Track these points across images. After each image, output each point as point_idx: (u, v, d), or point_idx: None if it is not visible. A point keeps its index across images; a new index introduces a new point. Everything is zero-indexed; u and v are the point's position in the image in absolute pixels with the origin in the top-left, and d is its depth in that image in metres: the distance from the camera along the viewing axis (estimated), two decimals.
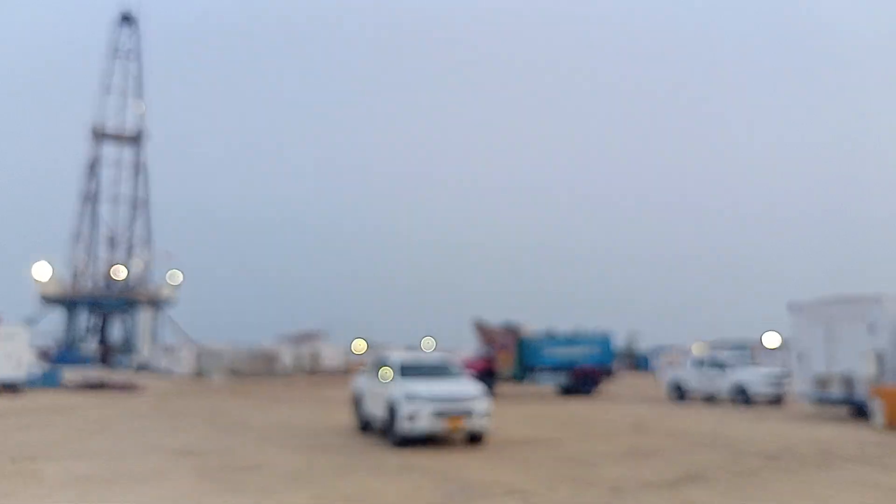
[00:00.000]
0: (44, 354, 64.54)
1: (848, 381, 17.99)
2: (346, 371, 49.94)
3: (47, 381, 29.74)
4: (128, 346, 78.42)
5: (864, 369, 17.21)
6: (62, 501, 7.86)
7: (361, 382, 15.28)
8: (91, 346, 76.24)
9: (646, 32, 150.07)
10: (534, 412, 20.32)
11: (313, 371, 54.16)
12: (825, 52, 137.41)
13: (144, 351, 69.26)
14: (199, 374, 43.67)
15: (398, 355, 15.15)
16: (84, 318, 78.66)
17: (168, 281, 77.81)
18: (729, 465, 10.51)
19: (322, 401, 24.85)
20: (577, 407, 22.51)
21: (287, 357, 54.96)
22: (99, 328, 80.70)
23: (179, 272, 78.80)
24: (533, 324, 31.86)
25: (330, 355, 60.60)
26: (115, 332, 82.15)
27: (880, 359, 17.12)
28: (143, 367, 57.95)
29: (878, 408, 15.66)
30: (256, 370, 44.13)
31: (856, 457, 11.43)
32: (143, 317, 76.20)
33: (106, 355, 74.82)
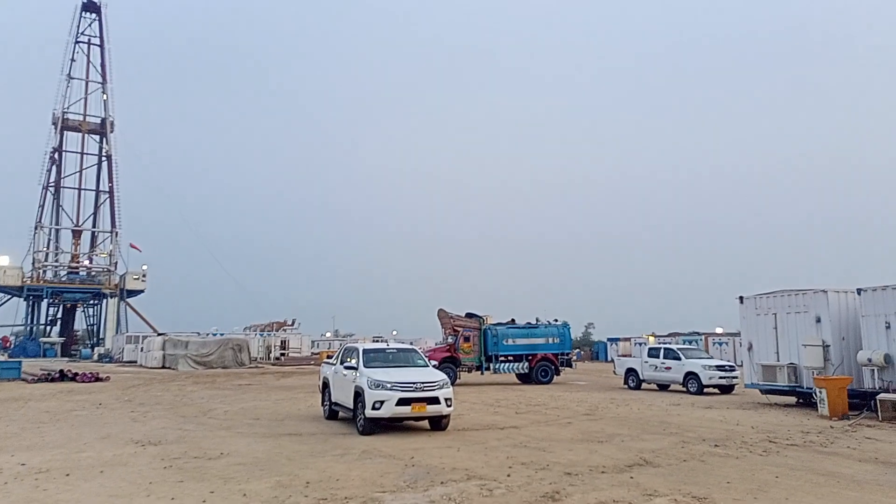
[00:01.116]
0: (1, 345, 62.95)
1: (795, 372, 18.81)
2: (314, 360, 49.99)
3: (5, 372, 29.24)
4: (92, 337, 77.04)
5: (810, 360, 18.00)
6: (17, 494, 7.81)
7: (328, 371, 15.53)
8: (53, 337, 74.65)
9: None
10: (494, 399, 20.76)
11: (281, 360, 54.05)
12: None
13: (109, 342, 68.18)
14: (165, 364, 43.23)
15: (364, 345, 15.43)
16: (46, 310, 76.93)
17: (133, 271, 76.50)
18: (678, 451, 11.02)
19: (289, 389, 24.96)
20: (536, 394, 23.05)
21: (255, 346, 54.68)
22: (62, 319, 79.00)
23: (145, 263, 77.71)
24: (495, 315, 32.43)
25: (298, 345, 60.48)
26: (79, 322, 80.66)
27: (825, 350, 17.94)
28: (107, 358, 57.12)
29: (822, 397, 16.41)
30: (224, 360, 43.83)
31: (799, 443, 12.04)
32: (108, 307, 74.84)
33: (69, 346, 73.40)
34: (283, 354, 56.54)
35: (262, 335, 61.28)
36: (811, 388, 17.50)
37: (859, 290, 17.45)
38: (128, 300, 76.52)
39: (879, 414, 15.48)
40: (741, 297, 20.94)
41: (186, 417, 15.75)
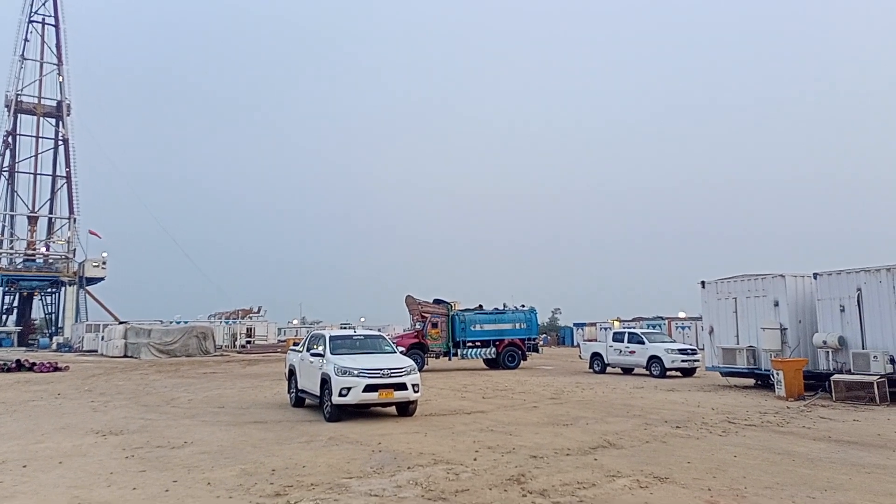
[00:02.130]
0: None
1: (753, 354, 19.30)
2: (281, 348, 49.59)
3: None
4: (50, 326, 75.12)
5: (768, 343, 18.48)
6: None
7: (294, 358, 15.42)
8: (9, 326, 72.56)
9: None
10: (462, 384, 20.89)
11: (247, 348, 53.52)
12: None
13: (68, 330, 66.60)
14: (127, 353, 42.44)
15: (331, 332, 15.35)
16: (1, 298, 74.72)
17: (93, 258, 74.64)
18: (640, 433, 11.23)
19: (255, 377, 24.74)
20: (503, 379, 23.26)
21: (220, 334, 54.01)
22: (18, 308, 76.81)
23: (105, 250, 75.86)
24: (463, 301, 32.60)
25: (264, 332, 59.98)
26: (36, 311, 78.52)
27: (783, 333, 18.43)
28: (66, 347, 55.82)
29: (779, 378, 16.88)
30: (188, 348, 43.19)
31: (757, 424, 12.38)
32: (67, 295, 72.97)
33: (26, 335, 71.48)
34: (248, 342, 55.96)
35: (227, 323, 60.53)
36: (769, 371, 17.98)
37: (815, 275, 17.94)
38: (87, 288, 74.62)
39: (833, 394, 15.99)
40: (703, 282, 21.37)
41: (149, 407, 15.50)
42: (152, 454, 9.51)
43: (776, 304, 18.80)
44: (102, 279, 75.94)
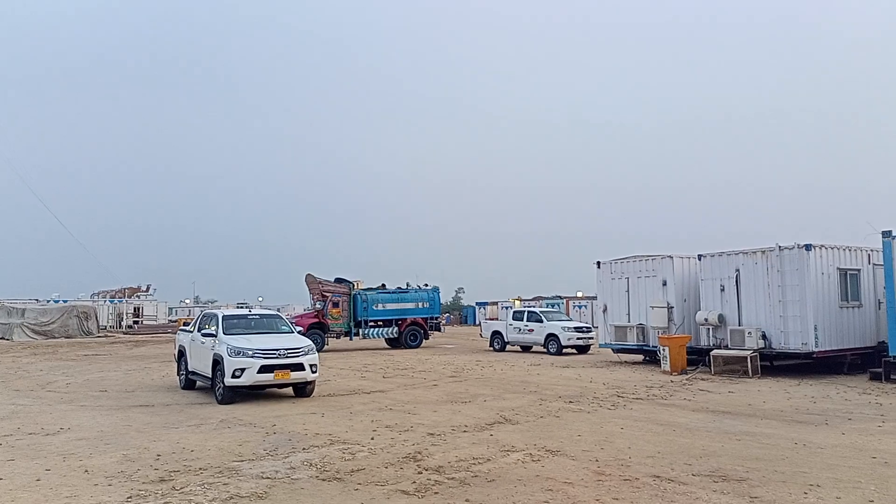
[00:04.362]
0: None
1: (643, 331, 20.33)
2: (171, 328, 47.42)
3: None
4: None
5: (656, 320, 19.51)
6: None
7: (185, 339, 14.74)
8: None
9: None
10: (362, 364, 20.76)
11: (134, 329, 50.88)
12: None
13: None
14: None
15: (223, 311, 14.78)
16: None
17: None
18: (535, 409, 11.56)
19: (142, 359, 23.52)
20: (405, 358, 23.33)
21: (104, 314, 51.01)
22: None
23: None
24: (366, 279, 32.35)
25: (153, 312, 57.23)
26: None
27: (669, 311, 19.50)
28: None
29: (665, 354, 17.87)
30: (67, 329, 40.47)
31: (643, 397, 13.04)
32: None
33: None
34: (136, 322, 53.20)
35: (112, 302, 57.16)
36: (656, 347, 18.98)
37: (700, 256, 19.06)
38: None
39: (712, 368, 17.13)
40: (598, 263, 22.22)
41: (21, 391, 14.38)
42: (23, 442, 8.82)
43: (664, 284, 19.84)
44: None
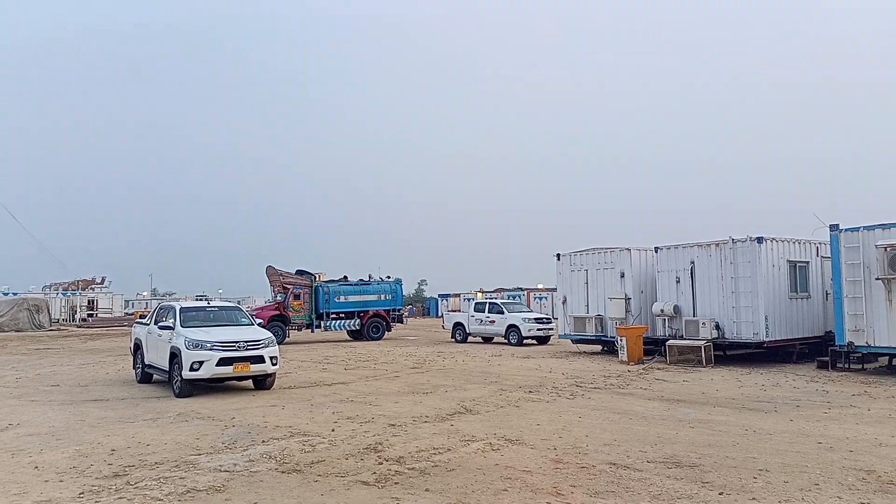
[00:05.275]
0: None
1: (601, 322, 20.66)
2: (128, 321, 46.36)
3: None
4: None
5: (614, 311, 19.85)
6: None
7: (141, 332, 14.46)
8: None
9: None
10: (324, 356, 20.65)
11: (89, 322, 49.58)
12: None
13: None
14: None
15: (181, 303, 14.53)
16: None
17: None
18: (496, 399, 11.67)
19: (97, 353, 22.96)
20: (367, 350, 23.28)
21: (57, 307, 49.58)
22: None
23: None
24: (329, 272, 32.14)
25: (108, 305, 55.86)
26: None
27: (627, 302, 19.86)
28: None
29: (622, 344, 18.20)
30: (18, 322, 39.21)
31: (601, 386, 13.28)
32: None
33: None
34: (90, 315, 51.83)
35: (65, 295, 55.56)
36: (614, 337, 19.33)
37: (656, 249, 19.44)
38: None
39: (667, 358, 17.52)
40: (558, 255, 22.48)
41: None
42: None
43: (622, 276, 20.19)
44: None
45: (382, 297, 30.20)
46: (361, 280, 31.14)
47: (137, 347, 14.54)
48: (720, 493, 5.85)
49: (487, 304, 27.66)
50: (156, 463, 7.14)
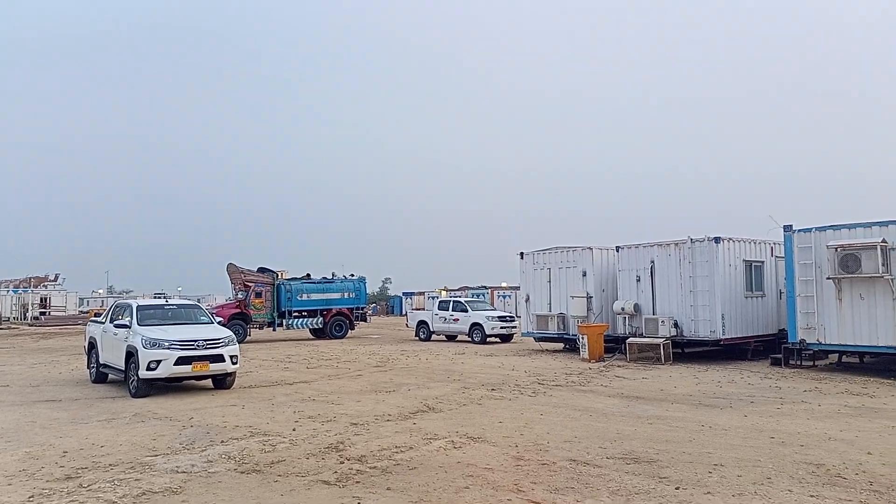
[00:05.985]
0: None
1: (563, 320, 20.88)
2: (83, 320, 45.17)
3: None
4: None
5: (576, 310, 20.08)
6: None
7: (96, 330, 14.10)
8: None
9: None
10: (286, 355, 20.42)
11: (41, 320, 48.14)
12: None
13: None
14: None
15: (137, 301, 14.22)
16: None
17: None
18: (459, 397, 11.70)
19: (49, 352, 22.30)
20: (329, 349, 23.11)
21: (7, 305, 48.06)
22: None
23: None
24: (292, 270, 31.81)
25: (62, 302, 54.35)
26: None
27: (588, 301, 20.10)
28: None
29: (584, 342, 18.42)
30: None
31: (563, 384, 13.41)
32: None
33: None
34: (43, 313, 50.33)
35: (16, 292, 53.85)
36: (576, 335, 19.54)
37: (618, 248, 19.72)
38: None
39: (628, 355, 17.80)
40: (521, 254, 22.64)
41: None
42: None
43: (584, 275, 20.44)
44: None
45: (346, 295, 30.01)
46: (324, 278, 30.88)
47: (92, 346, 14.17)
48: (676, 488, 5.97)
49: (451, 303, 27.70)
50: (110, 465, 6.97)
